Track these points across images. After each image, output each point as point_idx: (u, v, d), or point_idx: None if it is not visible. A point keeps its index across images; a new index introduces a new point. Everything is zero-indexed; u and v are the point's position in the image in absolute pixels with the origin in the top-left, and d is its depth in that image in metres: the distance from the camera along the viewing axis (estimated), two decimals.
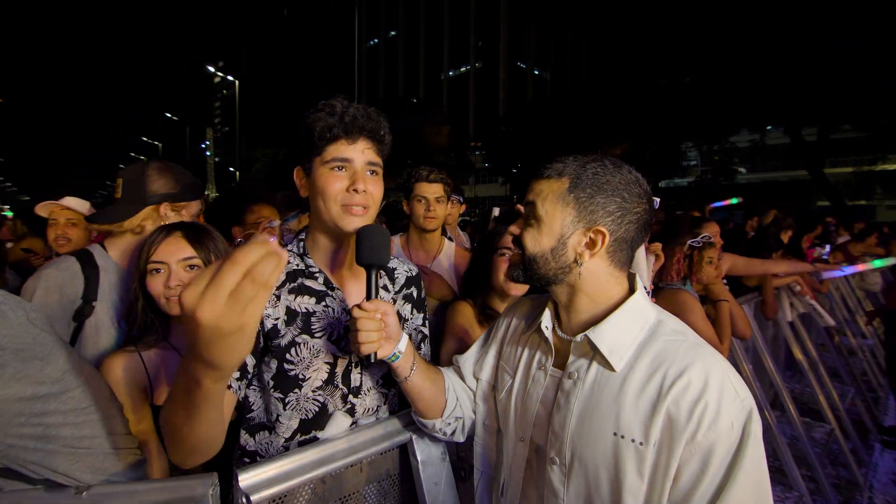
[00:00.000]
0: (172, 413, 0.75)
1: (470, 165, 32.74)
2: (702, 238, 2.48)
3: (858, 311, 5.80)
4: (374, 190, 1.03)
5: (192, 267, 1.28)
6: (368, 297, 0.92)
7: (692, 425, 0.74)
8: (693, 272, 2.47)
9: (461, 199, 3.22)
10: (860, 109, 13.22)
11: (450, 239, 2.42)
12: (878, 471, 3.59)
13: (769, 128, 18.00)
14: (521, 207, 0.99)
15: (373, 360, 0.91)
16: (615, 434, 0.80)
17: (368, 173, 1.03)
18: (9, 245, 3.31)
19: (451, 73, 54.00)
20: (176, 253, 1.26)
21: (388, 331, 0.92)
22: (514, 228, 0.95)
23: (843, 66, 11.81)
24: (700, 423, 0.74)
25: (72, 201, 2.41)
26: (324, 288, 1.07)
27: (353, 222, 1.01)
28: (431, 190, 2.17)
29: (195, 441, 0.78)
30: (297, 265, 1.08)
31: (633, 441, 0.78)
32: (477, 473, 1.10)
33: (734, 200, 7.37)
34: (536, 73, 50.27)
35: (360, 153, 1.02)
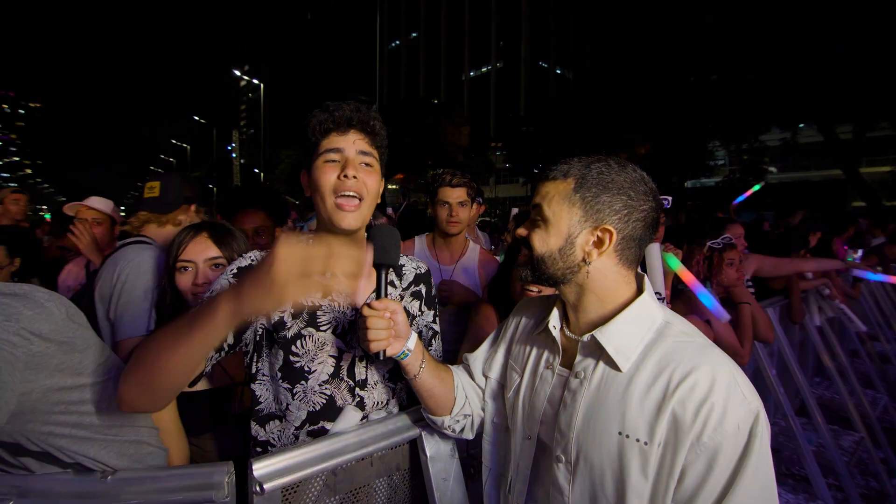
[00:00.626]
0: (160, 338, 0.82)
1: (490, 166, 32.68)
2: (722, 239, 2.43)
3: (894, 316, 5.56)
4: (367, 179, 1.05)
5: (217, 266, 1.36)
6: (378, 296, 0.95)
7: (698, 426, 0.74)
8: (713, 274, 2.43)
9: (480, 201, 3.24)
10: None
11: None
12: None
13: (801, 126, 17.35)
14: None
15: (381, 358, 0.93)
16: (620, 433, 0.80)
17: (361, 164, 1.05)
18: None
19: (471, 74, 53.98)
20: (203, 252, 1.34)
21: (396, 329, 0.94)
22: (521, 230, 0.95)
23: (880, 62, 11.32)
24: (706, 423, 0.74)
25: (96, 201, 2.54)
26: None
27: (344, 218, 1.03)
28: (454, 195, 2.21)
29: (161, 374, 0.82)
30: None
31: (637, 440, 0.79)
32: (485, 470, 1.11)
33: (756, 187, 7.15)
34: (558, 71, 49.79)
35: (352, 143, 1.05)
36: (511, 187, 37.76)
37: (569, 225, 0.88)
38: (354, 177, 1.02)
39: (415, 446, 1.16)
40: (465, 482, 1.17)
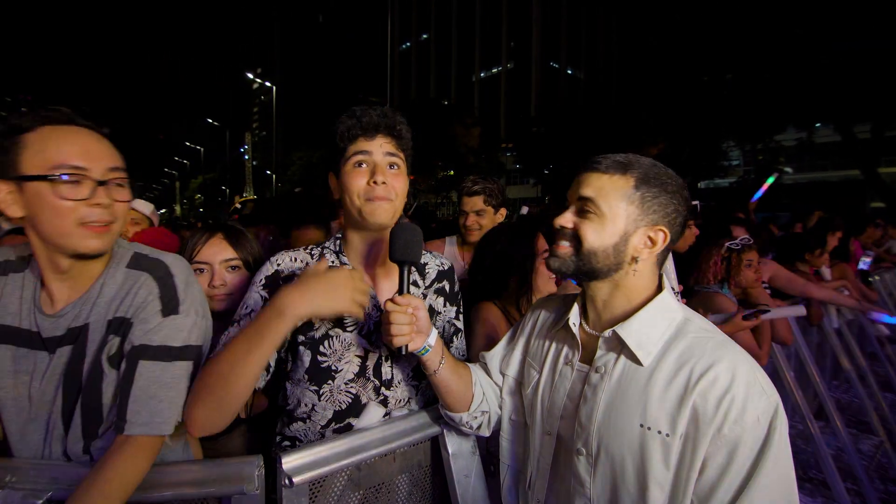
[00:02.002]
0: (227, 354, 0.91)
1: (501, 167, 32.62)
2: (741, 240, 2.42)
3: None
4: (395, 182, 1.08)
5: (233, 268, 1.38)
6: (401, 292, 0.97)
7: (719, 418, 0.76)
8: (731, 275, 2.41)
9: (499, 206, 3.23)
10: None
11: None
12: None
13: (818, 125, 17.05)
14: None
15: (403, 353, 0.96)
16: (642, 426, 0.82)
17: (388, 167, 1.09)
18: None
19: (482, 75, 53.96)
20: (218, 254, 1.36)
21: (418, 325, 0.96)
22: (564, 221, 0.93)
23: None
24: (727, 416, 0.76)
25: (139, 204, 2.63)
26: None
27: (375, 211, 1.06)
28: (471, 203, 2.23)
29: (235, 386, 0.90)
30: (333, 262, 1.15)
31: (659, 432, 0.80)
32: (503, 467, 1.13)
33: (770, 179, 7.03)
34: (569, 72, 49.57)
35: (379, 147, 1.09)
36: (522, 188, 37.66)
37: (626, 222, 0.88)
38: (384, 182, 1.06)
39: (436, 443, 1.18)
40: (485, 480, 1.19)
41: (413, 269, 1.19)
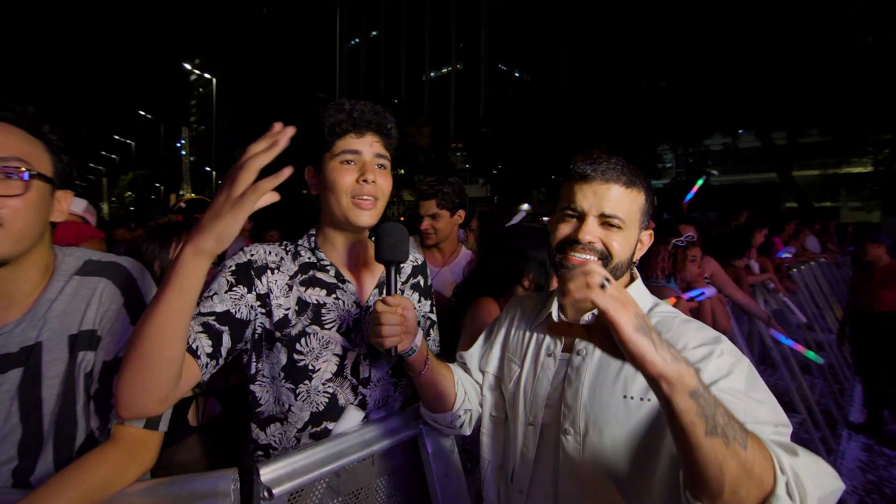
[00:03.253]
0: (142, 315, 0.76)
1: (451, 166, 32.86)
2: (686, 237, 2.58)
3: (826, 308, 6.08)
4: (382, 182, 1.07)
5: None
6: (389, 293, 0.96)
7: (700, 370, 0.81)
8: (677, 270, 2.58)
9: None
10: (826, 115, 13.82)
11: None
12: (845, 458, 3.78)
13: (741, 131, 18.54)
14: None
15: (393, 354, 0.95)
16: (625, 396, 0.88)
17: (377, 166, 1.07)
18: None
19: (432, 74, 54.05)
20: None
21: (407, 325, 0.95)
22: (591, 237, 0.92)
23: (811, 74, 12.32)
24: (707, 364, 0.82)
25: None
26: (335, 280, 1.11)
27: (361, 216, 1.04)
28: (424, 207, 2.17)
29: (149, 344, 0.75)
30: (309, 258, 1.11)
31: (641, 399, 0.87)
32: (484, 463, 1.14)
33: (700, 181, 7.62)
34: (517, 75, 50.73)
35: (369, 146, 1.06)
36: (472, 188, 38.13)
37: (637, 229, 0.96)
38: (374, 181, 1.04)
39: (414, 444, 1.17)
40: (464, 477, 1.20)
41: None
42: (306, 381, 1.05)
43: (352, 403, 1.09)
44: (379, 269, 1.17)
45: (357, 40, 62.15)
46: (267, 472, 0.90)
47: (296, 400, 1.05)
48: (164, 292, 0.75)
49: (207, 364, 0.91)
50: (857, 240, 5.95)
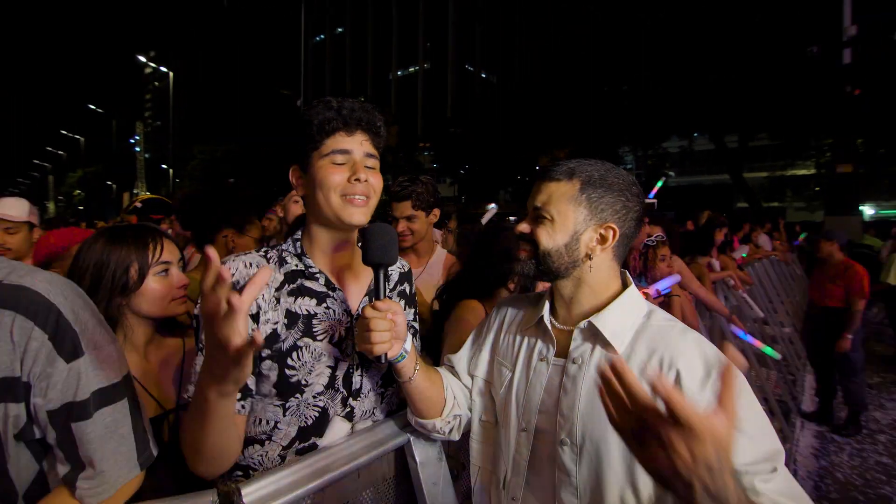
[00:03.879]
0: (191, 420, 0.84)
1: (419, 165, 32.75)
2: (655, 237, 2.65)
3: (778, 303, 6.42)
4: (373, 181, 1.03)
5: (182, 266, 1.32)
6: (378, 297, 0.92)
7: (698, 392, 0.82)
8: (648, 269, 2.65)
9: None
10: (774, 120, 14.68)
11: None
12: (799, 445, 4.00)
13: (696, 135, 19.39)
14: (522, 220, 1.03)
15: (383, 361, 0.91)
16: None
17: (367, 166, 1.03)
18: None
19: (399, 73, 53.72)
20: (174, 253, 1.28)
21: (396, 331, 0.92)
22: (523, 227, 0.99)
23: (761, 82, 13.04)
24: (702, 391, 0.82)
25: (8, 205, 2.13)
26: (325, 289, 1.05)
27: (353, 214, 0.99)
28: (400, 209, 2.09)
29: (209, 450, 0.86)
30: (296, 265, 1.05)
31: None
32: (474, 470, 1.12)
33: (659, 183, 7.94)
34: (484, 76, 51.14)
35: (359, 145, 1.02)
36: (440, 187, 37.99)
37: (575, 223, 0.94)
38: (366, 180, 1.00)
39: (400, 453, 1.14)
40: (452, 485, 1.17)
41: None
42: (297, 395, 0.99)
43: (338, 415, 1.04)
44: (366, 275, 1.12)
45: (322, 36, 60.99)
46: (250, 493, 0.84)
47: (284, 415, 0.99)
48: (209, 418, 0.80)
49: (244, 406, 0.96)
50: (811, 238, 6.32)
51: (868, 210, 24.83)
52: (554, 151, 23.07)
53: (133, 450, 0.83)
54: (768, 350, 4.16)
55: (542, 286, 1.53)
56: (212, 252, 0.66)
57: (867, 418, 4.30)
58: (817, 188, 25.87)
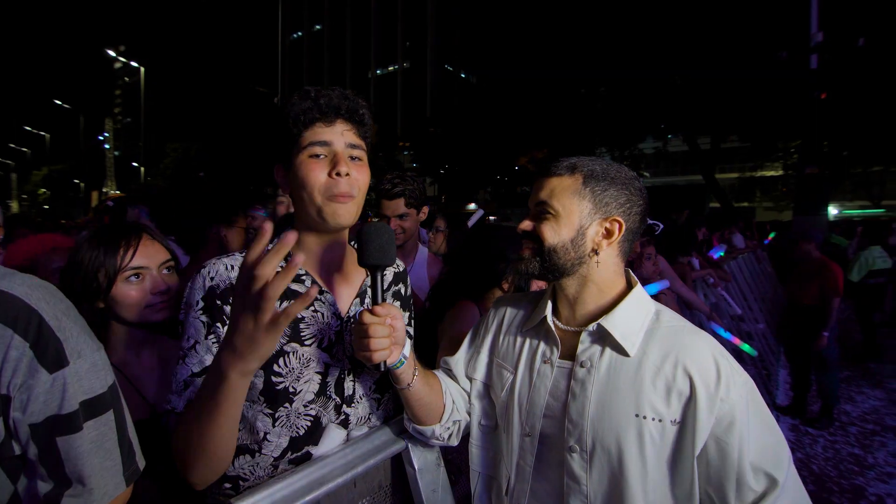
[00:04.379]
0: (195, 417, 0.79)
1: (398, 165, 32.58)
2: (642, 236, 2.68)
3: (752, 300, 6.61)
4: (358, 175, 0.95)
5: (169, 269, 1.21)
6: (375, 301, 0.87)
7: (710, 400, 0.81)
8: (634, 267, 2.66)
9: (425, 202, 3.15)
10: (744, 123, 15.17)
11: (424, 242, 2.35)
12: None
13: (670, 136, 19.86)
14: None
15: (382, 369, 0.86)
16: (637, 415, 0.84)
17: (350, 158, 0.96)
18: None
19: (378, 72, 53.32)
20: (156, 256, 1.18)
21: (395, 336, 0.87)
22: (526, 225, 0.96)
23: (732, 85, 13.45)
24: (715, 396, 0.81)
25: None
26: None
27: (338, 213, 0.93)
28: (392, 207, 2.04)
29: (216, 449, 0.80)
30: (282, 267, 1.00)
31: (653, 419, 0.83)
32: (474, 476, 1.09)
33: None
34: (463, 76, 51.21)
35: (340, 135, 0.94)
36: None
37: (580, 217, 0.91)
38: (347, 174, 0.92)
39: (397, 460, 1.10)
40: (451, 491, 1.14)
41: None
42: (286, 405, 0.94)
43: (332, 422, 0.99)
44: (357, 275, 1.07)
45: (300, 33, 60.05)
46: None
47: (274, 426, 0.94)
48: (220, 406, 0.76)
49: None
50: (780, 237, 6.52)
51: (832, 210, 25.85)
52: (532, 152, 23.32)
53: (119, 464, 0.77)
54: (746, 347, 4.26)
55: (536, 285, 1.51)
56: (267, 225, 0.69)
57: (838, 411, 4.45)
58: (784, 189, 26.85)
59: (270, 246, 0.68)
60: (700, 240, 4.83)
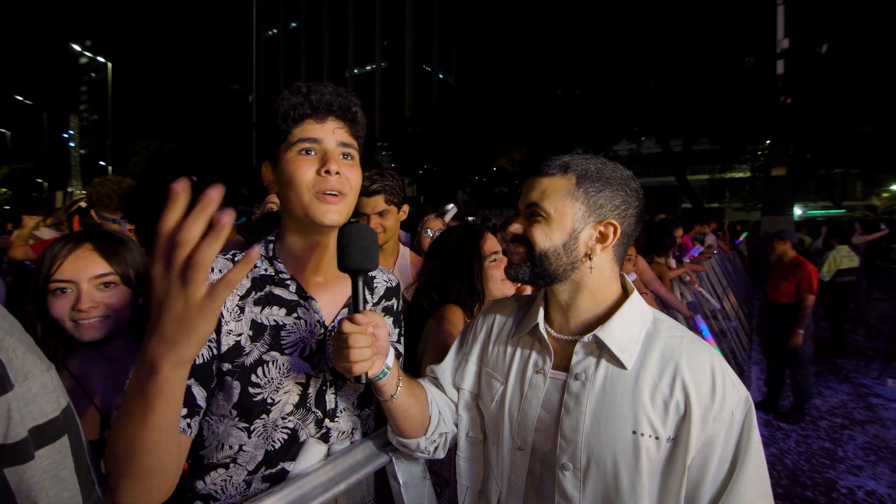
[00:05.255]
0: (124, 423, 0.65)
1: (377, 165, 32.32)
2: None
3: (725, 299, 6.79)
4: (349, 174, 0.91)
5: (106, 285, 1.09)
6: (356, 309, 0.81)
7: (703, 418, 0.78)
8: None
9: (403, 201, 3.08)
10: (714, 125, 15.65)
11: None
12: None
13: (644, 138, 20.32)
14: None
15: (363, 381, 0.81)
16: (634, 432, 0.80)
17: (341, 156, 0.91)
18: None
19: (356, 71, 52.81)
20: (86, 269, 1.06)
21: (378, 346, 0.82)
22: (515, 228, 0.90)
23: (702, 89, 13.87)
24: (707, 414, 0.78)
25: None
26: (296, 297, 0.94)
27: (327, 212, 0.88)
28: (371, 204, 1.96)
29: (148, 459, 0.66)
30: (266, 270, 0.94)
31: (651, 437, 0.79)
32: (461, 489, 1.04)
33: None
34: (441, 76, 51.18)
35: (331, 133, 0.90)
36: None
37: (572, 220, 0.86)
38: (337, 172, 0.87)
39: (381, 474, 1.04)
40: None
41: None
42: (263, 416, 0.88)
43: (312, 437, 0.93)
44: (346, 283, 1.02)
45: (275, 31, 58.97)
46: None
47: (249, 438, 0.88)
48: (152, 407, 0.63)
49: (190, 424, 0.81)
50: (758, 236, 6.69)
51: (797, 210, 26.87)
52: (510, 152, 23.48)
53: (77, 494, 0.70)
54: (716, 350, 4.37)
55: (527, 290, 1.48)
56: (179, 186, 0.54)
57: (809, 406, 4.59)
58: (749, 189, 27.80)
59: (239, 256, 0.61)
60: (678, 243, 4.92)
